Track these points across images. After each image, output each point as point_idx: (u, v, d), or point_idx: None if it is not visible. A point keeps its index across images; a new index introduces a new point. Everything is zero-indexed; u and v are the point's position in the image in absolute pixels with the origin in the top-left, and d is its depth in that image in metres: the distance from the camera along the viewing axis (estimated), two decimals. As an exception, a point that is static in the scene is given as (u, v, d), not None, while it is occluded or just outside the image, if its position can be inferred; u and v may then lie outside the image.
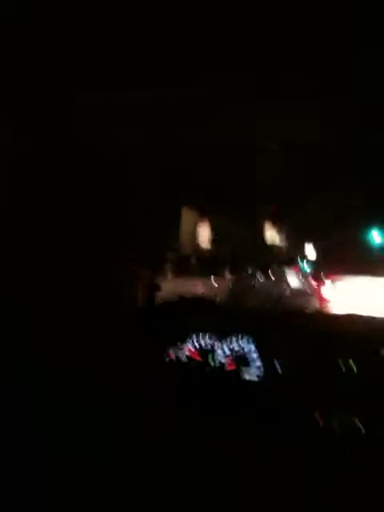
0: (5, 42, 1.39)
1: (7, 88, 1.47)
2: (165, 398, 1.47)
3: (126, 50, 1.37)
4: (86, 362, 1.43)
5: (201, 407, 1.54)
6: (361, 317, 2.04)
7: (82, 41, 1.38)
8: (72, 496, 1.25)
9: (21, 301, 1.49)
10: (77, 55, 1.42)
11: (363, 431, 1.47)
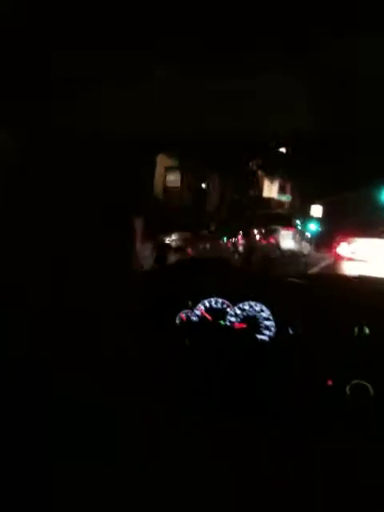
0: (4, 41, 1.39)
1: (7, 88, 1.47)
2: (165, 397, 1.47)
3: (126, 45, 1.36)
4: (86, 361, 1.43)
5: (208, 381, 1.53)
6: (371, 278, 2.02)
7: (81, 37, 1.37)
8: (72, 496, 1.25)
9: (21, 301, 1.49)
10: (76, 53, 1.42)
11: (372, 393, 1.46)
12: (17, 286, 1.50)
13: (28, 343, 1.42)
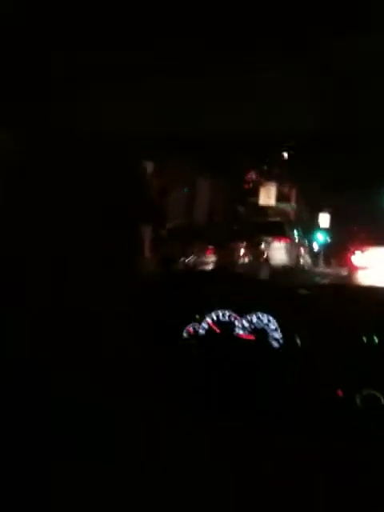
0: (4, 41, 1.39)
1: (7, 88, 1.47)
2: (166, 398, 1.47)
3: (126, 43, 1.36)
4: (86, 361, 1.43)
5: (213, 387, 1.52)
6: (380, 287, 2.02)
7: (81, 37, 1.37)
8: (72, 496, 1.25)
9: (21, 301, 1.49)
10: (76, 53, 1.42)
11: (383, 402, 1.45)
12: (17, 285, 1.50)
13: (28, 343, 1.42)
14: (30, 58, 1.42)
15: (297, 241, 10.18)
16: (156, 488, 1.25)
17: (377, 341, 1.58)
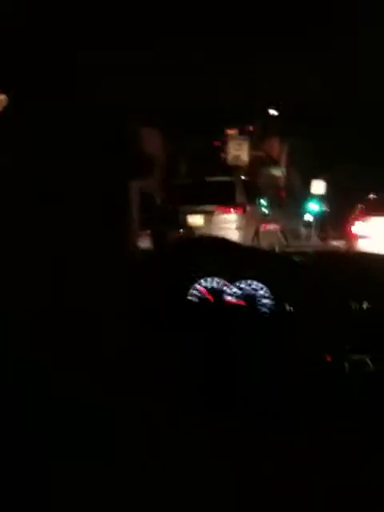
0: (5, 41, 1.39)
1: (7, 87, 1.47)
2: (165, 397, 1.47)
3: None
4: (86, 361, 1.43)
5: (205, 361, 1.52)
6: (373, 254, 2.04)
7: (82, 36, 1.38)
8: (72, 496, 1.25)
9: (21, 301, 1.49)
10: (77, 52, 1.42)
11: (372, 368, 1.46)
12: (17, 285, 1.50)
13: (28, 343, 1.42)
14: (31, 56, 1.43)
15: (262, 211, 6.91)
16: (156, 488, 1.26)
17: (365, 307, 1.59)
